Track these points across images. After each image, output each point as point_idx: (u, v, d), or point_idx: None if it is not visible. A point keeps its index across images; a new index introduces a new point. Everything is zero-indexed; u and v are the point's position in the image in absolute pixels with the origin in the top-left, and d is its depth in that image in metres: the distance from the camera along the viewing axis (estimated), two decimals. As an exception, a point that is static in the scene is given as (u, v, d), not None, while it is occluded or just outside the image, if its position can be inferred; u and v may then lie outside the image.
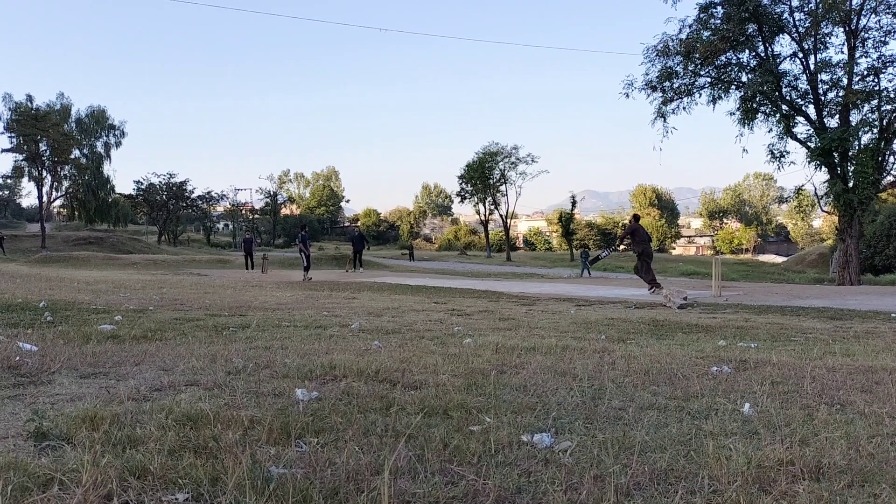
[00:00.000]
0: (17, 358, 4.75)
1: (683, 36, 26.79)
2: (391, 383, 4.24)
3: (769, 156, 27.68)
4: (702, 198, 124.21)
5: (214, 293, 14.34)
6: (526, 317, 10.12)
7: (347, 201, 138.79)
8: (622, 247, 17.31)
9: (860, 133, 25.82)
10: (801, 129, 27.61)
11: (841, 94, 25.96)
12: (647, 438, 3.05)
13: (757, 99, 26.73)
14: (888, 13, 25.41)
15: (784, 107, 27.12)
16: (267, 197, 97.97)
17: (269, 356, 5.29)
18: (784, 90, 27.05)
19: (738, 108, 27.43)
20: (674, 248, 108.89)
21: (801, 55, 26.87)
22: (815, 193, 28.68)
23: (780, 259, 77.54)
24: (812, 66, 26.48)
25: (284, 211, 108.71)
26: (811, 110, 27.10)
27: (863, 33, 25.75)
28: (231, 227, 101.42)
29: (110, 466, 2.43)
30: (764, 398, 3.95)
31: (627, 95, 28.16)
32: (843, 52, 26.55)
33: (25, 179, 73.69)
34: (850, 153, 26.07)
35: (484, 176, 66.26)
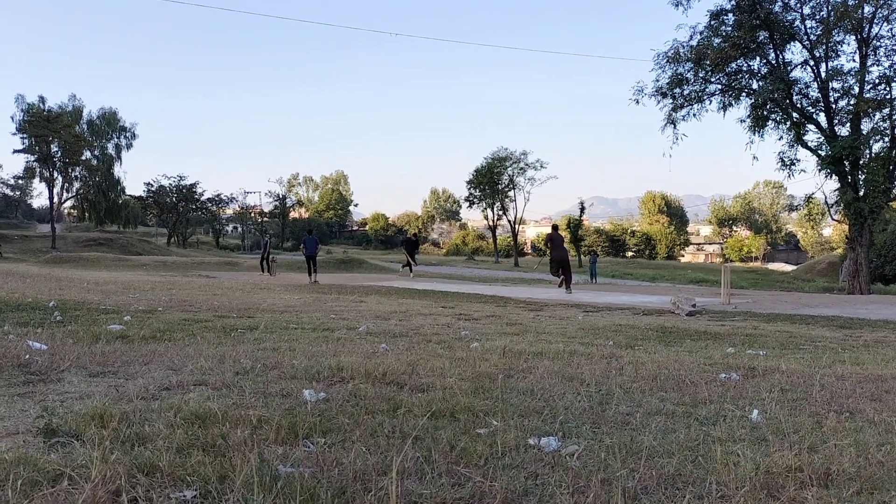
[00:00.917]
0: (27, 356, 4.78)
1: (694, 42, 26.74)
2: (398, 386, 4.25)
3: (779, 163, 27.56)
4: (711, 205, 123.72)
5: (223, 295, 14.39)
6: (533, 322, 10.10)
7: (356, 205, 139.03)
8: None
9: (871, 142, 25.69)
10: (812, 137, 27.49)
11: (852, 102, 25.83)
12: (655, 443, 3.05)
13: (768, 106, 26.62)
14: (901, 21, 25.29)
15: (795, 114, 27.00)
16: (276, 200, 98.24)
17: (276, 357, 5.30)
18: (795, 98, 26.94)
19: (749, 116, 27.32)
20: (682, 256, 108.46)
21: (812, 63, 26.78)
22: (826, 202, 28.51)
23: (789, 267, 77.17)
24: (823, 74, 26.37)
25: (293, 214, 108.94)
26: (822, 118, 26.99)
27: (875, 42, 25.62)
28: (240, 229, 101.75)
29: (119, 463, 2.45)
30: (772, 405, 3.93)
31: (637, 102, 28.09)
32: (854, 61, 26.45)
33: (37, 180, 74.24)
34: (860, 162, 25.93)
35: (493, 181, 66.21)
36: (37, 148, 62.43)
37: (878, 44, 25.69)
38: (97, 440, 2.73)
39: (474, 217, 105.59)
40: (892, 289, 33.63)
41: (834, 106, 26.66)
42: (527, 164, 65.87)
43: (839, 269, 47.00)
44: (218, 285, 19.14)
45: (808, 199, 29.49)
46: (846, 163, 25.89)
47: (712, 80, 27.70)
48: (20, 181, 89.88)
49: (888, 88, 25.61)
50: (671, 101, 27.75)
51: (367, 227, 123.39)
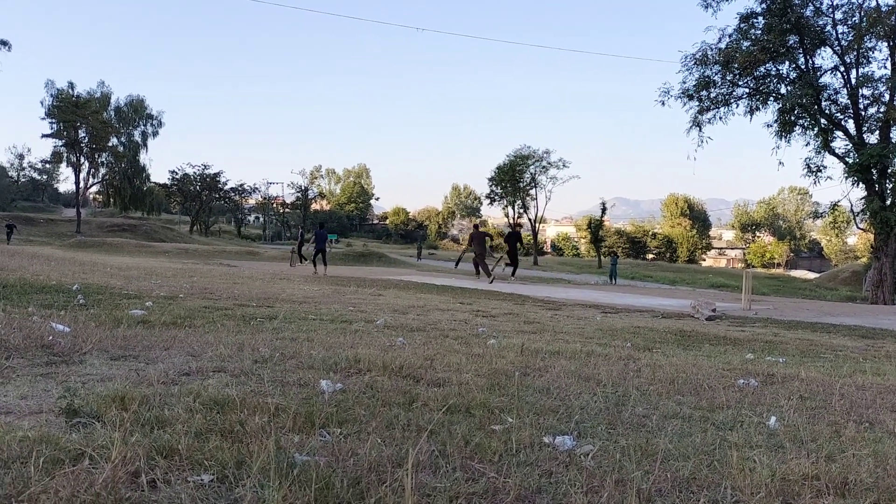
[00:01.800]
0: (51, 338, 4.85)
1: (723, 45, 26.52)
2: (414, 379, 4.27)
3: (805, 170, 27.26)
4: (735, 209, 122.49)
5: (243, 284, 14.50)
6: (551, 321, 10.08)
7: (377, 199, 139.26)
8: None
9: (900, 150, 25.34)
10: (840, 143, 27.19)
11: (882, 109, 25.48)
12: (671, 446, 3.04)
13: (795, 112, 26.32)
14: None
15: (823, 121, 26.68)
16: (298, 191, 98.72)
17: (295, 347, 5.34)
18: (823, 104, 26.62)
19: (776, 121, 27.05)
20: (704, 260, 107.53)
21: (842, 69, 26.43)
22: (852, 210, 28.19)
23: (812, 275, 76.31)
24: (853, 81, 26.03)
25: (314, 206, 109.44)
26: (850, 125, 26.66)
27: (908, 49, 25.26)
28: (262, 219, 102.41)
29: (139, 445, 2.49)
30: (791, 412, 3.90)
31: (663, 103, 27.93)
32: (885, 68, 26.08)
33: (64, 165, 75.36)
34: (888, 170, 25.57)
35: (514, 179, 66.00)
36: (65, 133, 63.27)
37: (912, 51, 25.32)
38: (118, 422, 2.77)
39: (495, 214, 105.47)
40: (917, 300, 33.08)
41: (863, 113, 26.32)
42: (549, 163, 65.57)
43: (863, 279, 46.39)
44: (238, 274, 19.29)
45: (834, 206, 29.16)
46: (874, 171, 25.54)
47: (740, 83, 27.46)
48: (47, 165, 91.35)
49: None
50: (697, 103, 27.54)
51: (387, 221, 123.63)
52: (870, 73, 26.17)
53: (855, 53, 25.80)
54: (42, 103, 66.07)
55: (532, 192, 67.30)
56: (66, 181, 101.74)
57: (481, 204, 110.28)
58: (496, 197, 68.74)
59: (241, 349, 5.02)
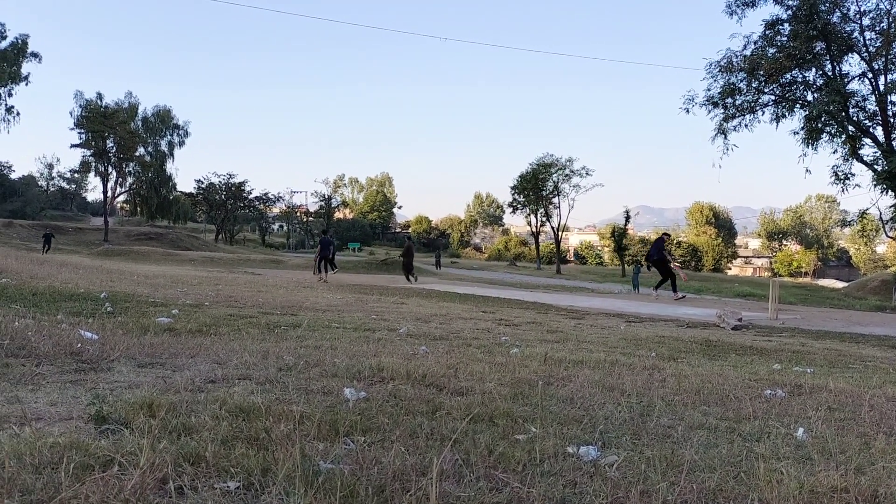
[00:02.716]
0: (79, 345, 4.92)
1: (748, 52, 26.31)
2: (438, 388, 4.27)
3: (833, 177, 26.92)
4: (761, 218, 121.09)
5: (267, 292, 14.61)
6: (574, 330, 10.04)
7: (400, 207, 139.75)
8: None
9: (931, 158, 24.92)
10: (868, 151, 26.82)
11: (911, 117, 25.11)
12: (697, 457, 3.01)
13: (822, 119, 26.01)
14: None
15: (851, 128, 26.34)
16: (321, 200, 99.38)
17: (318, 355, 5.37)
18: (851, 111, 26.29)
19: (803, 128, 26.73)
20: (730, 269, 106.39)
21: (870, 75, 26.12)
22: (880, 218, 27.79)
23: (840, 284, 75.07)
24: (882, 87, 25.67)
25: (338, 215, 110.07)
26: (879, 132, 26.29)
27: (938, 55, 24.88)
28: (286, 228, 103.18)
29: (166, 452, 2.51)
30: (819, 424, 3.85)
31: (688, 111, 27.74)
32: (915, 74, 25.69)
33: (92, 174, 76.46)
34: (918, 178, 25.16)
35: (537, 187, 65.92)
36: (93, 143, 64.39)
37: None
38: (146, 429, 2.80)
39: (517, 223, 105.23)
40: (949, 310, 32.43)
41: (892, 120, 25.93)
42: (572, 171, 65.43)
43: (892, 288, 45.57)
44: (263, 282, 19.44)
45: (862, 214, 28.78)
46: (903, 179, 25.15)
47: (765, 90, 27.20)
48: (76, 175, 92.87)
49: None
50: (722, 110, 27.33)
51: (409, 230, 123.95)
52: (898, 79, 25.82)
53: (883, 60, 25.45)
54: (71, 114, 67.35)
55: (555, 200, 67.19)
56: (94, 190, 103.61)
57: (503, 212, 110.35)
58: (518, 205, 68.69)
59: (266, 357, 5.06)
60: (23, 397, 3.40)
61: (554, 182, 66.13)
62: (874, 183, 25.92)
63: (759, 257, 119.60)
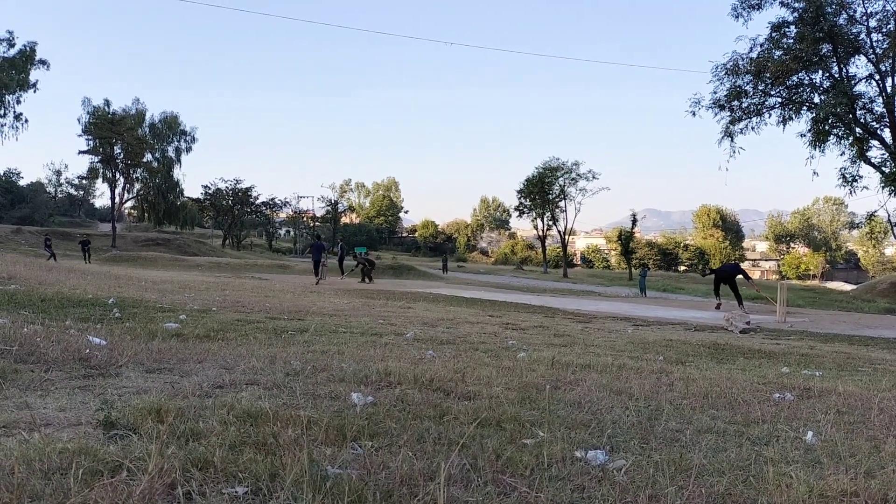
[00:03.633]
0: (88, 350, 4.94)
1: (754, 55, 26.20)
2: (445, 392, 4.27)
3: (841, 180, 26.76)
4: (768, 220, 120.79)
5: (274, 297, 14.64)
6: (581, 334, 10.02)
7: (406, 212, 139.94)
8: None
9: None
10: (876, 153, 26.66)
11: (919, 118, 24.97)
12: (705, 461, 3.00)
13: (829, 121, 25.90)
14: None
15: (858, 130, 26.21)
16: (328, 205, 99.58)
17: (326, 360, 5.37)
18: (858, 113, 26.16)
19: (810, 130, 26.62)
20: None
21: (877, 77, 25.96)
22: (889, 220, 27.66)
23: (848, 287, 74.73)
24: (889, 89, 25.55)
25: (344, 220, 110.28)
26: (887, 134, 26.14)
27: (945, 57, 24.75)
28: (292, 233, 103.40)
29: (175, 457, 2.52)
30: (828, 427, 3.83)
31: (694, 114, 27.63)
32: (922, 76, 25.56)
33: (99, 180, 76.82)
34: (927, 180, 25.04)
35: (543, 191, 65.91)
36: (101, 149, 64.75)
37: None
38: (154, 434, 2.81)
39: (524, 226, 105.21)
40: (959, 312, 32.25)
41: (900, 122, 25.79)
42: (578, 175, 65.42)
43: (902, 290, 45.31)
44: (270, 287, 19.48)
45: (870, 216, 28.64)
46: (911, 181, 25.03)
47: (772, 92, 27.09)
48: (84, 181, 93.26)
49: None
50: (729, 113, 27.22)
51: (416, 234, 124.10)
52: (906, 81, 25.70)
53: (890, 61, 25.34)
54: (79, 120, 67.84)
55: (561, 203, 67.16)
56: (101, 196, 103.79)
57: (510, 216, 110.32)
58: (525, 209, 68.70)
59: (273, 362, 5.07)
60: (32, 403, 3.41)
61: (560, 186, 66.12)
62: (882, 185, 25.79)
63: (766, 260, 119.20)
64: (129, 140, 64.66)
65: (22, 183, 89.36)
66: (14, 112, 56.83)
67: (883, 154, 26.25)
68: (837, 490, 2.63)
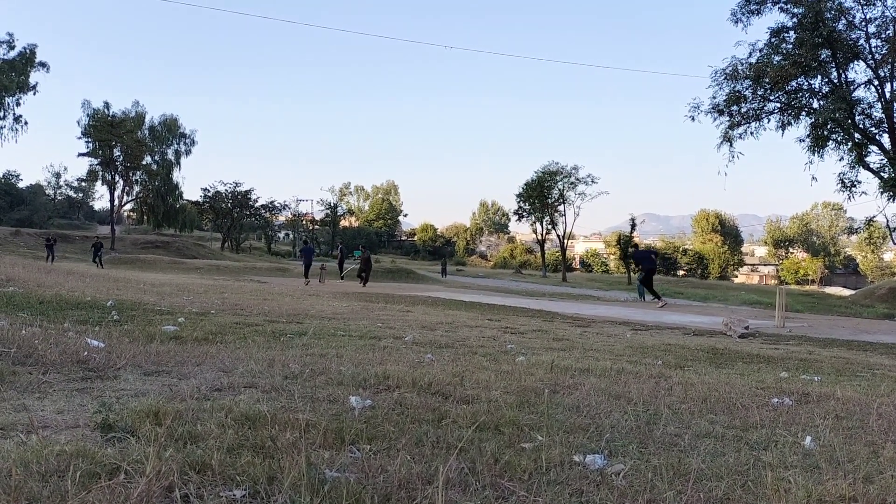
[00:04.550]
0: (86, 353, 4.93)
1: (753, 60, 26.28)
2: (443, 396, 4.26)
3: (839, 185, 26.85)
4: (767, 225, 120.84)
5: (273, 300, 14.63)
6: (580, 338, 10.01)
7: (405, 215, 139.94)
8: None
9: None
10: (875, 158, 26.74)
11: (918, 124, 25.04)
12: (703, 466, 2.99)
13: (828, 126, 25.97)
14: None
15: (857, 135, 26.28)
16: (327, 208, 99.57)
17: (324, 363, 5.37)
18: (857, 118, 26.23)
19: (809, 135, 26.70)
20: (736, 276, 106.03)
21: (876, 83, 26.04)
22: (888, 225, 27.70)
23: (847, 292, 74.73)
24: (888, 94, 25.61)
25: (343, 223, 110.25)
26: (885, 140, 26.20)
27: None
28: (291, 236, 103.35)
29: (172, 460, 2.51)
30: (826, 432, 3.83)
31: (693, 119, 27.72)
32: (921, 81, 25.63)
33: (99, 183, 76.66)
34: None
35: (542, 195, 66.03)
36: (100, 152, 64.74)
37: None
38: (152, 437, 2.81)
39: (523, 230, 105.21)
40: (957, 318, 32.25)
41: (899, 127, 25.85)
42: (577, 179, 65.59)
43: (901, 296, 45.35)
44: (268, 290, 19.47)
45: (869, 222, 28.71)
46: (910, 186, 25.08)
47: (771, 98, 27.17)
48: (83, 183, 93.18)
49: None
50: (728, 118, 27.29)
51: (415, 238, 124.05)
52: (905, 86, 25.76)
53: (889, 67, 25.41)
54: (79, 123, 67.80)
55: (560, 208, 67.29)
56: (101, 199, 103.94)
57: (509, 220, 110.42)
58: (524, 213, 68.81)
59: (272, 365, 5.06)
60: (30, 405, 3.41)
61: (559, 190, 66.25)
62: (881, 190, 25.85)
63: (765, 265, 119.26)
64: (128, 142, 64.69)
65: (21, 185, 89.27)
66: (14, 114, 56.94)
67: (882, 159, 26.33)
68: (836, 495, 2.63)
